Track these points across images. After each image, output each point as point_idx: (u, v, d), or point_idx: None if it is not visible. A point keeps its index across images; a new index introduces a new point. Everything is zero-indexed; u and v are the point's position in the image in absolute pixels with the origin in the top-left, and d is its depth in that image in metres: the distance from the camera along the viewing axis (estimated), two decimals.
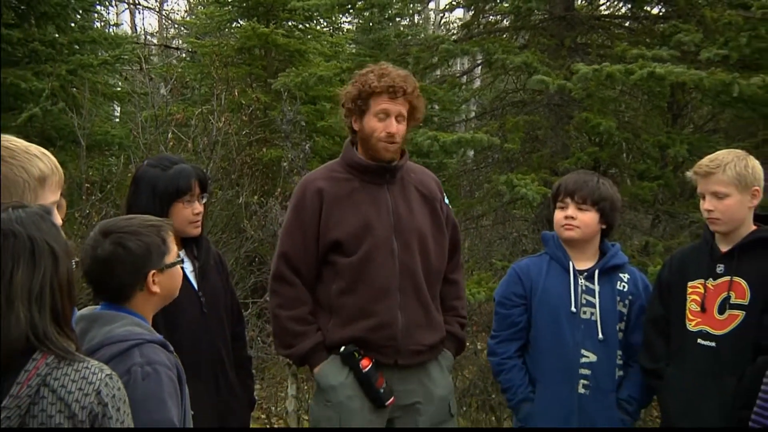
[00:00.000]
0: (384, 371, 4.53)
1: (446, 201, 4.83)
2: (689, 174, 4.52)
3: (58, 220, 3.04)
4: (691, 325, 4.39)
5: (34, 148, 3.23)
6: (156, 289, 3.25)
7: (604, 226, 4.65)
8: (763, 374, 2.86)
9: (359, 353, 4.49)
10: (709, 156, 4.42)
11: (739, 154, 4.37)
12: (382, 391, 4.48)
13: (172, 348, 3.22)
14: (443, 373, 4.73)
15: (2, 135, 3.23)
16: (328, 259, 4.60)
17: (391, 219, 4.57)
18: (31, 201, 3.04)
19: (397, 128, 4.54)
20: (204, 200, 4.38)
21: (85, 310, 3.20)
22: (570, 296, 4.59)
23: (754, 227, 4.35)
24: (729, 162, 4.27)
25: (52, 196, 3.16)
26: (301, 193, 4.67)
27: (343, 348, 4.51)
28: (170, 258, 3.32)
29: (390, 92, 4.51)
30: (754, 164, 4.32)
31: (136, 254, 3.21)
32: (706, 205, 4.34)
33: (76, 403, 2.55)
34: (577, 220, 4.56)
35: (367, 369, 4.47)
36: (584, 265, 4.66)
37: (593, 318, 4.57)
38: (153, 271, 3.24)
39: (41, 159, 3.19)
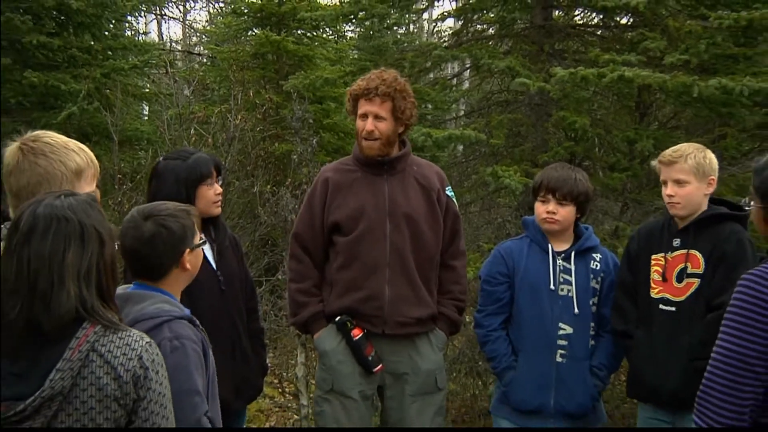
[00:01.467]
0: (374, 341, 4.60)
1: (449, 193, 4.84)
2: (654, 163, 4.58)
3: None
4: (654, 293, 4.44)
5: (73, 143, 3.26)
6: (188, 266, 3.30)
7: (579, 215, 4.68)
8: (713, 328, 2.88)
9: (352, 323, 4.58)
10: (672, 147, 4.47)
11: (699, 146, 4.44)
12: (370, 358, 4.56)
13: (198, 323, 3.26)
14: (433, 350, 4.75)
15: (43, 131, 3.26)
16: (332, 240, 4.68)
17: (386, 204, 4.62)
18: (71, 189, 3.06)
19: (375, 126, 4.58)
20: (220, 182, 4.43)
21: (118, 290, 3.17)
22: (549, 275, 4.61)
23: (706, 208, 4.41)
24: (690, 153, 4.34)
25: (87, 187, 3.21)
26: (315, 182, 4.81)
27: (338, 318, 4.60)
28: (197, 239, 3.36)
29: (365, 94, 4.59)
30: (711, 156, 4.39)
31: (177, 234, 3.26)
32: (668, 191, 4.40)
33: (121, 366, 2.59)
34: (557, 214, 4.58)
35: (357, 338, 4.57)
36: (561, 246, 4.67)
37: (570, 294, 4.59)
38: (187, 250, 3.28)
39: (78, 153, 3.22)
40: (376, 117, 4.60)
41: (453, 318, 4.80)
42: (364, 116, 4.62)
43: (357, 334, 4.58)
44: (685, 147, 4.41)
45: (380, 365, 4.60)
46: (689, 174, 4.32)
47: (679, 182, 4.35)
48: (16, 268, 2.56)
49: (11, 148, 3.19)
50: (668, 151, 4.43)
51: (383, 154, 4.66)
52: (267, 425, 8.06)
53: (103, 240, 2.66)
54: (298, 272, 4.75)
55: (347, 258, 4.63)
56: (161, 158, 4.65)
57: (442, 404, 4.84)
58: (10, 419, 2.51)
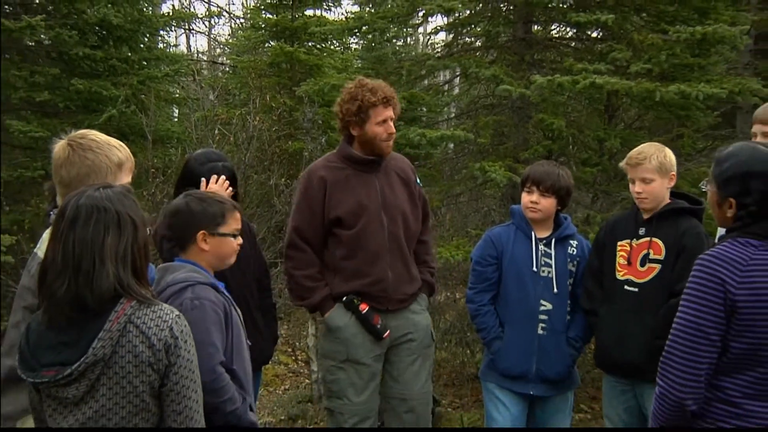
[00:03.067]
0: (378, 313, 4.68)
1: (418, 182, 4.99)
2: (621, 164, 4.60)
3: None
4: (620, 275, 4.46)
5: (114, 141, 3.33)
6: (205, 247, 3.38)
7: (560, 207, 4.70)
8: (674, 312, 2.92)
9: (358, 300, 4.65)
10: (636, 149, 4.49)
11: (659, 146, 4.47)
12: (378, 326, 4.64)
13: (222, 290, 3.35)
14: (422, 309, 4.89)
15: (88, 130, 3.34)
16: (332, 232, 4.69)
17: (379, 199, 4.69)
18: (112, 182, 3.13)
19: (393, 128, 4.70)
20: (233, 192, 4.48)
21: (164, 264, 3.37)
22: (532, 259, 4.63)
23: (668, 201, 4.44)
24: (652, 154, 4.36)
25: (126, 178, 3.28)
26: (307, 180, 4.76)
27: (345, 297, 4.66)
28: (225, 229, 3.42)
29: (384, 102, 4.61)
30: (670, 154, 4.43)
31: (195, 213, 3.37)
32: (636, 188, 4.42)
33: (155, 336, 2.63)
34: (540, 204, 4.60)
35: (365, 311, 4.64)
36: (543, 234, 4.68)
37: (550, 275, 4.62)
38: (203, 231, 3.36)
39: (119, 149, 3.29)
40: (392, 119, 4.69)
41: (430, 282, 4.96)
42: (384, 121, 4.64)
43: (364, 308, 4.64)
44: (647, 149, 4.43)
45: (387, 331, 4.69)
46: (653, 173, 4.35)
47: (645, 180, 4.37)
48: (62, 251, 2.60)
49: (60, 145, 3.24)
50: (633, 154, 4.45)
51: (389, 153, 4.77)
52: (282, 389, 8.09)
53: (137, 226, 2.70)
54: (301, 260, 4.72)
55: (352, 248, 4.66)
56: (189, 155, 4.83)
57: (433, 355, 5.05)
58: (60, 382, 2.57)
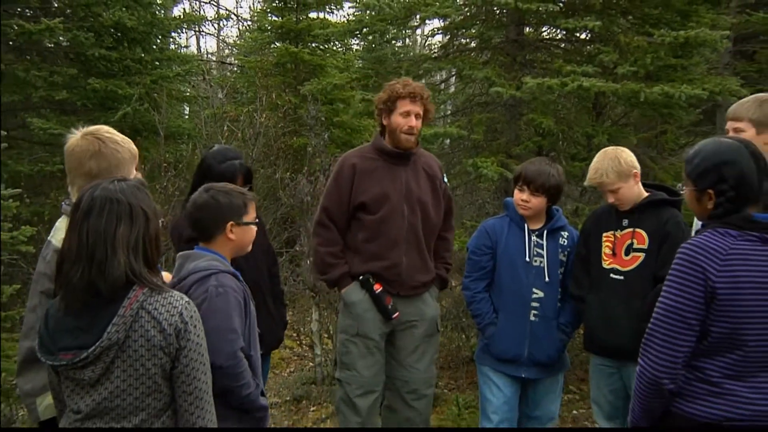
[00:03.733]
0: (390, 296, 4.78)
1: (445, 180, 5.05)
2: (585, 184, 4.66)
3: None
4: (606, 264, 4.47)
5: (123, 136, 3.39)
6: (232, 236, 3.40)
7: (551, 203, 4.71)
8: (658, 297, 2.96)
9: (373, 279, 4.76)
10: (591, 166, 4.48)
11: (611, 154, 4.43)
12: (389, 307, 4.75)
13: (241, 278, 3.37)
14: (433, 301, 4.99)
15: (100, 126, 3.38)
16: (356, 215, 4.81)
17: (403, 190, 4.78)
18: (128, 173, 3.23)
19: (416, 123, 4.76)
20: (247, 188, 4.44)
21: (184, 252, 3.36)
22: (525, 249, 4.65)
23: (646, 193, 4.45)
24: (607, 167, 4.37)
25: (134, 171, 3.34)
26: (340, 166, 4.91)
27: (361, 276, 4.77)
28: (247, 218, 3.45)
29: (411, 96, 4.73)
30: (626, 156, 4.40)
31: (224, 206, 3.37)
32: (609, 198, 4.45)
33: (165, 321, 2.66)
34: (530, 203, 4.62)
35: (378, 291, 4.76)
36: (535, 225, 4.70)
37: (542, 265, 4.63)
38: (231, 222, 3.38)
39: (131, 143, 3.36)
40: (417, 116, 4.76)
41: (443, 277, 5.05)
42: (407, 114, 4.75)
43: (378, 288, 4.77)
44: (600, 163, 4.41)
45: (397, 312, 4.79)
46: (615, 182, 4.36)
47: (612, 192, 4.40)
48: (77, 241, 2.63)
49: (85, 139, 3.26)
50: (591, 173, 4.45)
51: (413, 147, 4.82)
52: (287, 371, 8.11)
53: (148, 218, 2.72)
54: (327, 238, 4.87)
55: (373, 233, 4.78)
56: (207, 150, 4.86)
57: (438, 343, 5.14)
58: (77, 364, 2.60)
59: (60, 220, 3.31)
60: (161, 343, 2.64)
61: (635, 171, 4.39)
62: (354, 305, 4.82)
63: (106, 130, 3.31)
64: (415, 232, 4.80)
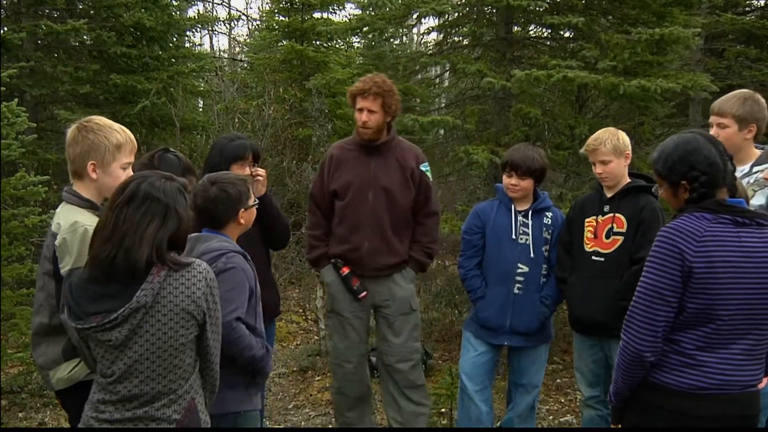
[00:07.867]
0: (361, 279, 4.87)
1: (423, 168, 4.95)
2: (582, 150, 4.64)
3: (129, 173, 3.21)
4: (587, 247, 4.49)
5: (116, 125, 3.34)
6: (242, 221, 3.47)
7: (537, 184, 4.73)
8: (635, 277, 2.97)
9: (341, 263, 4.86)
10: (593, 135, 4.52)
11: (612, 131, 4.50)
12: (355, 288, 4.85)
13: (249, 258, 3.40)
14: (405, 282, 4.96)
15: (95, 116, 3.36)
16: (333, 201, 4.89)
17: (370, 178, 4.78)
18: (111, 160, 3.22)
19: (368, 117, 4.74)
20: (255, 166, 4.47)
21: (194, 234, 3.35)
22: (511, 227, 4.68)
23: (629, 179, 4.48)
24: (606, 138, 4.41)
25: (125, 158, 3.30)
26: (325, 156, 5.03)
27: (333, 259, 4.88)
28: (250, 201, 3.50)
29: (361, 93, 4.75)
30: (623, 137, 4.46)
31: (234, 197, 3.41)
32: (597, 170, 4.48)
33: (194, 286, 2.70)
34: (519, 186, 4.65)
35: (345, 273, 4.85)
36: (522, 206, 4.74)
37: (527, 242, 4.67)
38: (242, 209, 3.43)
39: (119, 132, 3.30)
40: (369, 111, 4.75)
41: (420, 260, 4.97)
42: (361, 110, 4.77)
43: (345, 271, 4.86)
44: (602, 134, 4.46)
45: (364, 293, 4.86)
46: (610, 155, 4.39)
47: (603, 162, 4.42)
48: (113, 222, 2.65)
49: (71, 128, 3.30)
50: (590, 140, 4.49)
51: (375, 138, 4.81)
52: (294, 344, 8.11)
53: (181, 220, 2.74)
54: (312, 222, 5.02)
55: (341, 218, 4.87)
56: (222, 136, 4.91)
57: (417, 321, 5.10)
58: (105, 326, 2.62)
59: (60, 207, 3.29)
60: (190, 308, 2.68)
61: (628, 152, 4.44)
62: (329, 285, 4.98)
63: (94, 120, 3.29)
64: (377, 218, 4.79)
